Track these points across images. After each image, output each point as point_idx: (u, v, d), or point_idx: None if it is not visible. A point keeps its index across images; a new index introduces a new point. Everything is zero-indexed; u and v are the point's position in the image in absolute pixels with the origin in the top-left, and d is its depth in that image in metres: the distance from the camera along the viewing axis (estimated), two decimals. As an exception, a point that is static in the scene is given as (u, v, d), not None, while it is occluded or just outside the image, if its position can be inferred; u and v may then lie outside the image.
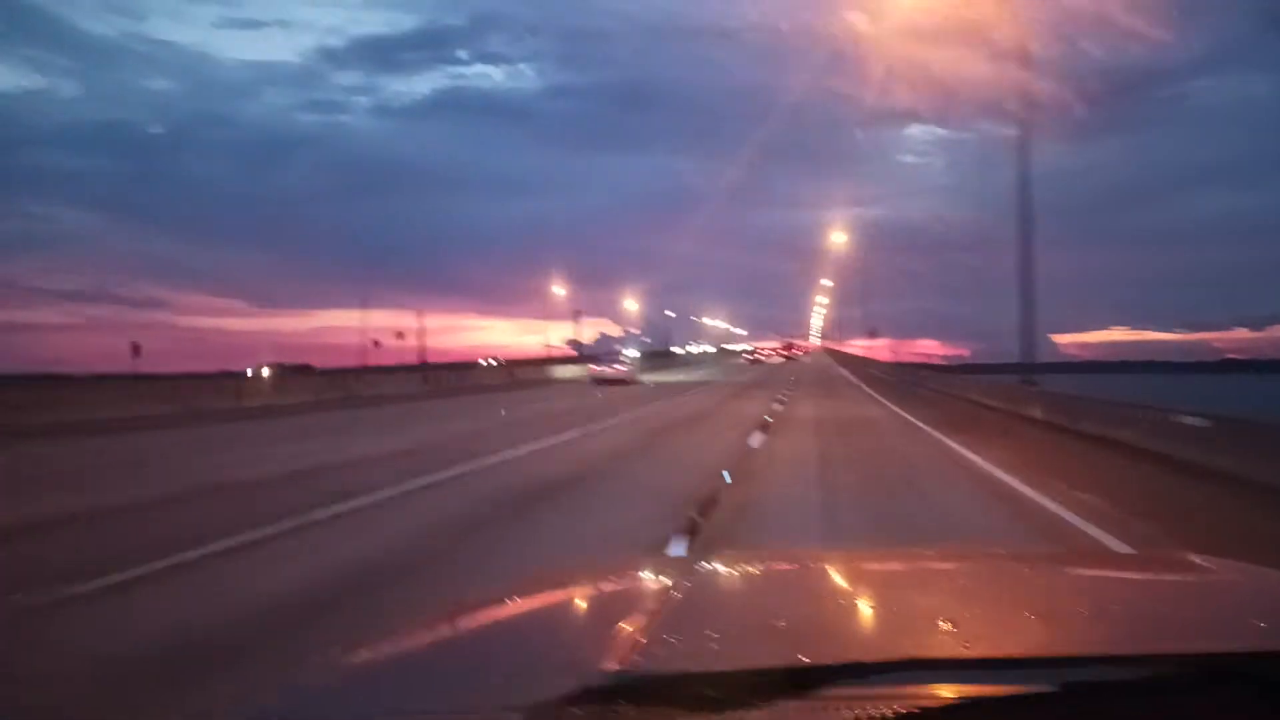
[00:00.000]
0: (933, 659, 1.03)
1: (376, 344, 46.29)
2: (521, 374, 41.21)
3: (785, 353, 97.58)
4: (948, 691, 0.91)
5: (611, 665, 1.02)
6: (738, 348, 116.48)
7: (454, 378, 35.85)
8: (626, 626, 1.21)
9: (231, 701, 1.14)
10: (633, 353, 44.60)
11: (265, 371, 36.37)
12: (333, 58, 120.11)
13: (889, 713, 0.86)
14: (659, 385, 33.13)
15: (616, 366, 36.03)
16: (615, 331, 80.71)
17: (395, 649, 1.33)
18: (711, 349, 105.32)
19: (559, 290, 67.54)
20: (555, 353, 59.97)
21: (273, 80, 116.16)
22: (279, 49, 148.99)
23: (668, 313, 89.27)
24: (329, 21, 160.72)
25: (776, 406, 19.99)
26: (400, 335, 52.32)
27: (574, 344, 70.63)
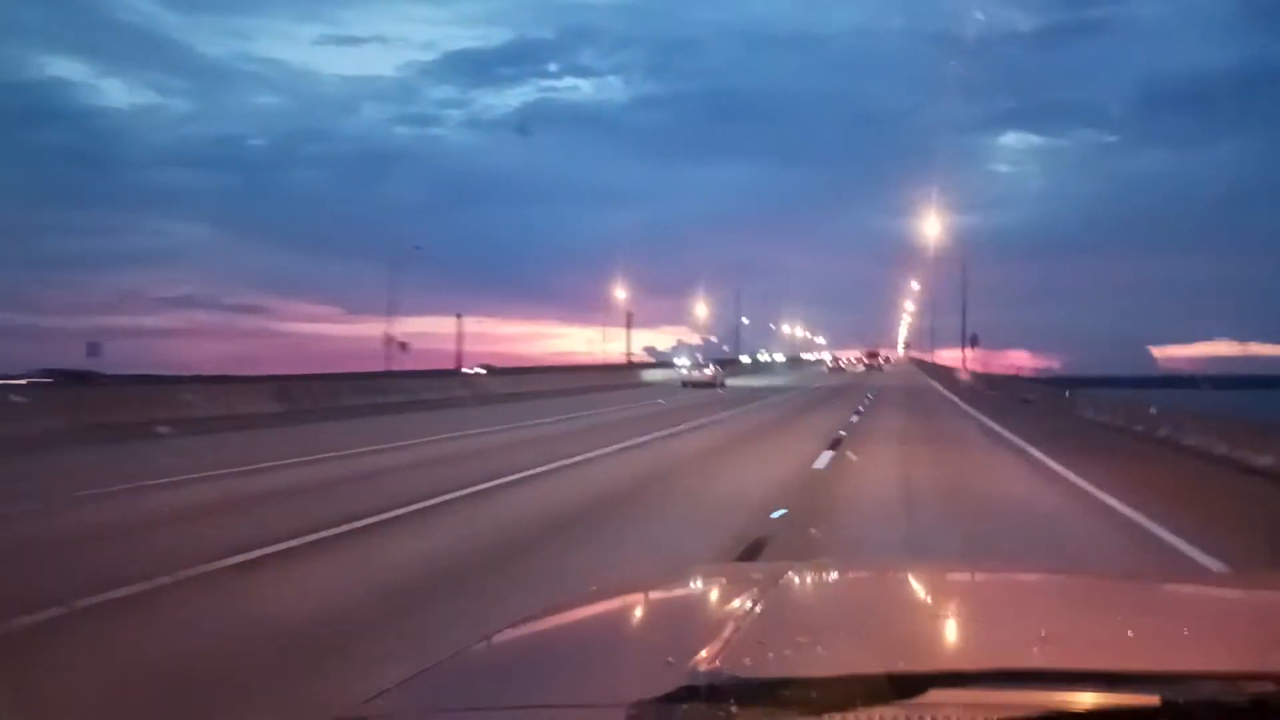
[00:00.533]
0: (1032, 670, 1.03)
1: (404, 346, 43.17)
2: (617, 378, 44.66)
3: (868, 361, 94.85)
4: (1046, 701, 0.91)
5: (710, 666, 1.05)
6: (813, 356, 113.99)
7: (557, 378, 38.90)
8: (720, 629, 1.23)
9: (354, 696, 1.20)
10: (683, 360, 50.38)
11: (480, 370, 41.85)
12: (428, 72, 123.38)
13: None
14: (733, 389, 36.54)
15: (705, 371, 41.53)
16: (693, 339, 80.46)
17: (497, 648, 1.38)
18: (781, 357, 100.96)
19: (638, 298, 67.87)
20: (634, 359, 60.32)
21: (370, 95, 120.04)
22: (377, 64, 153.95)
23: (744, 320, 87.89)
24: (425, 37, 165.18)
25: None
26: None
27: (650, 351, 71.00)
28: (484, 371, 40.16)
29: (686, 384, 38.65)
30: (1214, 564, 5.53)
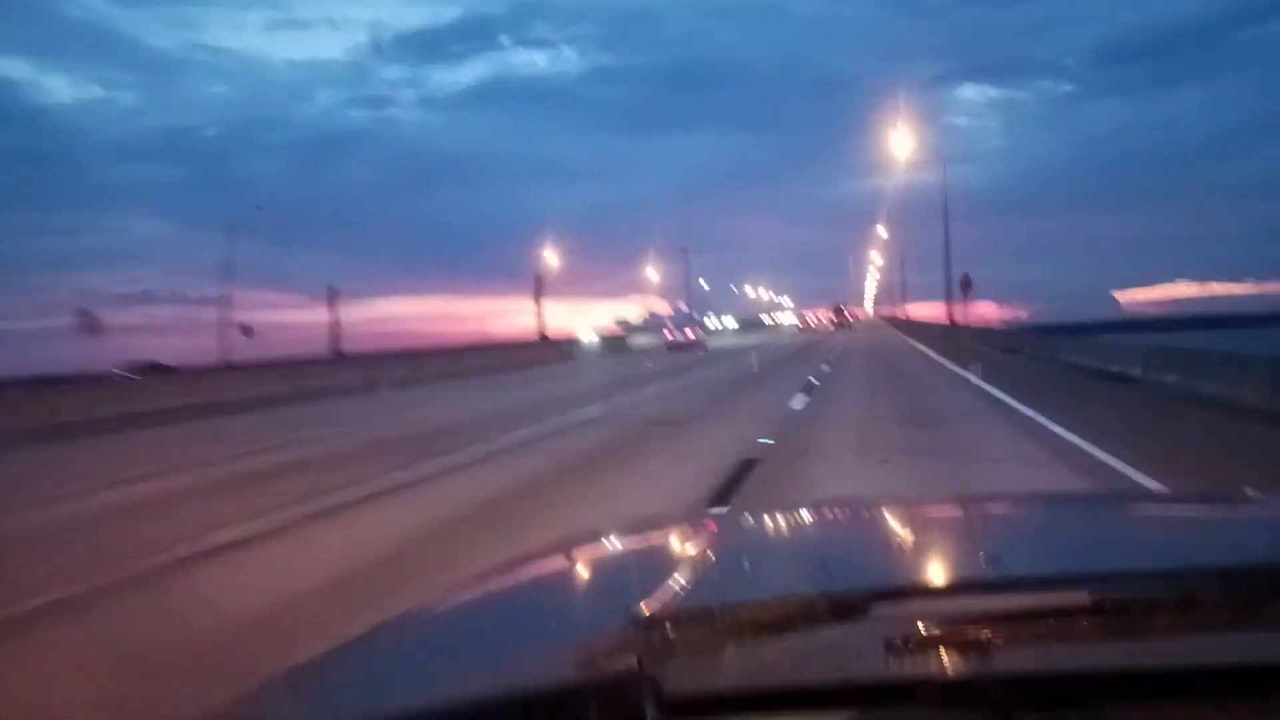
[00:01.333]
0: (976, 580, 1.05)
1: (248, 331, 37.11)
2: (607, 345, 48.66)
3: (835, 319, 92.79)
4: (990, 607, 0.92)
5: (655, 605, 1.04)
6: (775, 319, 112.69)
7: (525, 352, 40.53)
8: (668, 573, 1.23)
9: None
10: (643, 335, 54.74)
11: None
12: (377, 53, 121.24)
13: (936, 631, 0.87)
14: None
15: (688, 335, 45.07)
16: (663, 308, 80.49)
17: (442, 608, 1.39)
18: (733, 323, 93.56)
19: (604, 270, 67.72)
20: (608, 331, 60.14)
21: (322, 79, 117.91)
22: (327, 47, 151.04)
23: (700, 282, 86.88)
24: (373, 16, 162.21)
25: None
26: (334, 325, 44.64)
27: (622, 322, 70.88)
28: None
29: (671, 347, 42.36)
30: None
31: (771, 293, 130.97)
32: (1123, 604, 0.91)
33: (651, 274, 79.91)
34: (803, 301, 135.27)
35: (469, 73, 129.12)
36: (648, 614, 0.98)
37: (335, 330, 39.95)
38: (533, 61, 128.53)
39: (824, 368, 22.77)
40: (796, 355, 32.12)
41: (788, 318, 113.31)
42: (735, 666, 0.85)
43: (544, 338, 52.68)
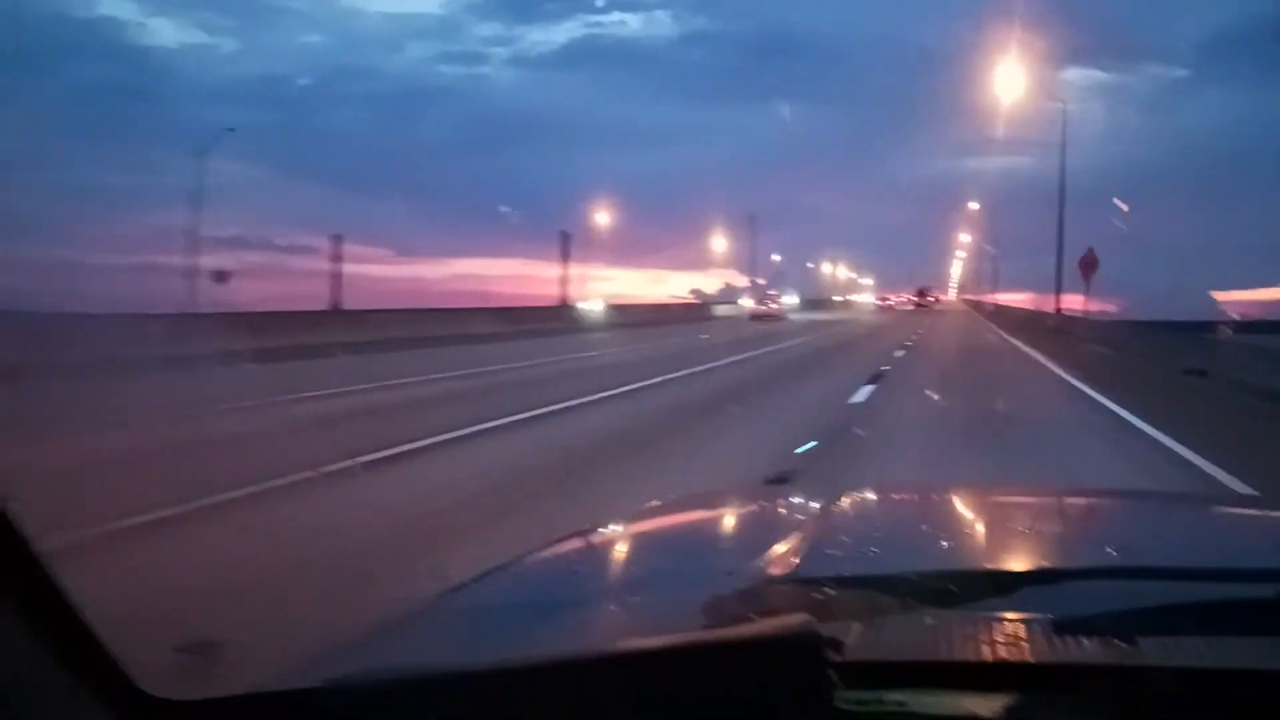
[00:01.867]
0: (1132, 567, 1.03)
1: (222, 277, 28.44)
2: (695, 313, 50.05)
3: (919, 300, 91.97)
4: (1152, 598, 0.89)
5: (793, 563, 1.04)
6: (852, 297, 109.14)
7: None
8: (792, 537, 1.22)
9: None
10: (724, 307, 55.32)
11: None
12: (473, 9, 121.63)
13: (1087, 615, 0.85)
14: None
15: (771, 306, 47.44)
16: (740, 282, 79.61)
17: (562, 553, 1.40)
18: (795, 299, 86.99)
19: (682, 240, 67.15)
20: (677, 302, 60.31)
21: (415, 33, 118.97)
22: (422, 1, 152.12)
23: (774, 257, 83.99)
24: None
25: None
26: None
27: (697, 293, 70.53)
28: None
29: (754, 317, 43.99)
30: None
31: (852, 272, 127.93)
32: (1236, 604, 0.88)
33: (726, 246, 78.65)
34: (885, 283, 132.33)
35: (562, 33, 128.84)
36: (796, 576, 0.97)
37: (336, 281, 35.96)
38: (624, 23, 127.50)
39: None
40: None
41: (865, 297, 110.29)
42: (902, 636, 0.85)
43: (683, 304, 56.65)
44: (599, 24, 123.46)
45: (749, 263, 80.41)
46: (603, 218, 51.95)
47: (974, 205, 67.34)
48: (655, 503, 1.82)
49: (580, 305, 40.00)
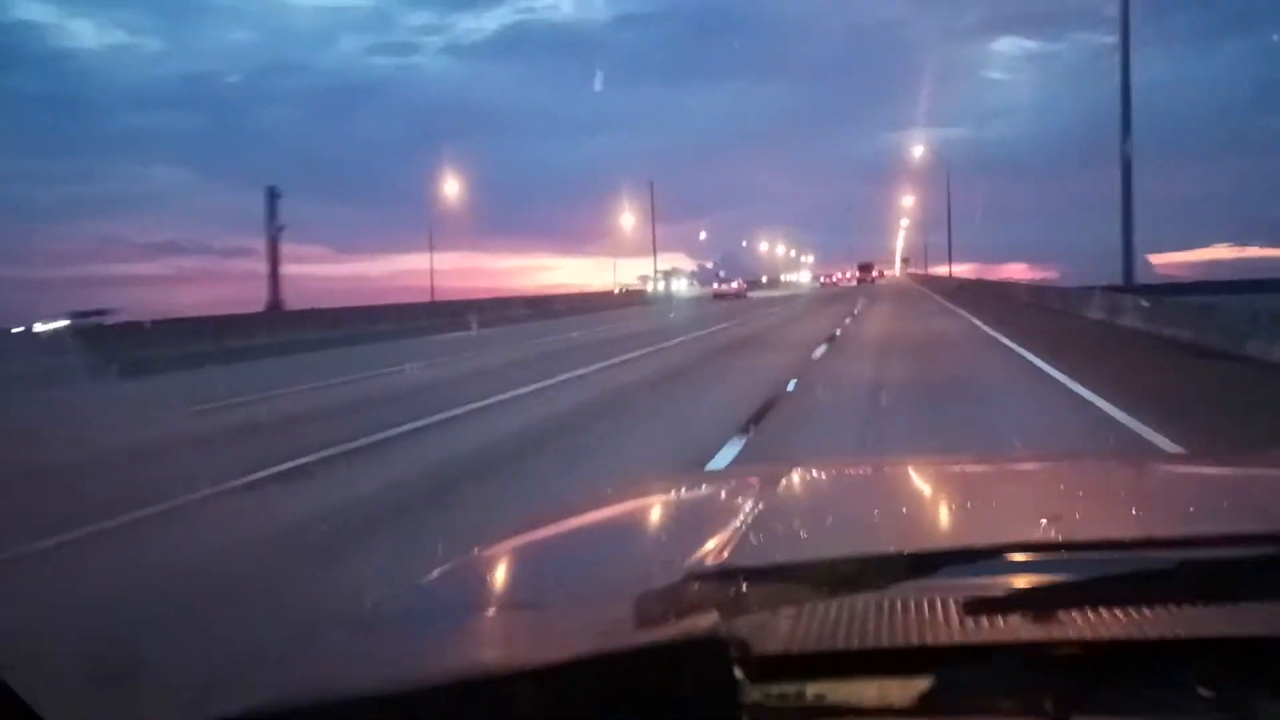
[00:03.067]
0: (1044, 542, 1.02)
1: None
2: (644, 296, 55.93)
3: (861, 276, 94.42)
4: (1067, 570, 0.90)
5: (716, 557, 1.03)
6: (797, 276, 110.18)
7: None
8: (725, 525, 1.21)
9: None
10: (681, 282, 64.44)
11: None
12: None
13: (1015, 593, 0.86)
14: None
15: (732, 285, 53.94)
16: (688, 265, 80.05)
17: (499, 553, 1.37)
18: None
19: (627, 226, 67.37)
20: (633, 284, 60.97)
21: (346, 25, 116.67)
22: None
23: (701, 236, 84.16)
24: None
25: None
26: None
27: (645, 279, 70.69)
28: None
29: (717, 296, 50.53)
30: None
31: (793, 250, 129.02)
32: (1210, 568, 0.88)
33: (671, 230, 78.99)
34: (829, 259, 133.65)
35: (494, 19, 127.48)
36: (715, 568, 0.96)
37: (275, 278, 34.66)
38: (557, 7, 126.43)
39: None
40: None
41: (804, 276, 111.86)
42: (819, 625, 0.84)
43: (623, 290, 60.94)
44: (531, 9, 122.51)
45: (697, 245, 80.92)
46: (545, 207, 52.46)
47: (912, 178, 68.46)
48: (592, 492, 1.81)
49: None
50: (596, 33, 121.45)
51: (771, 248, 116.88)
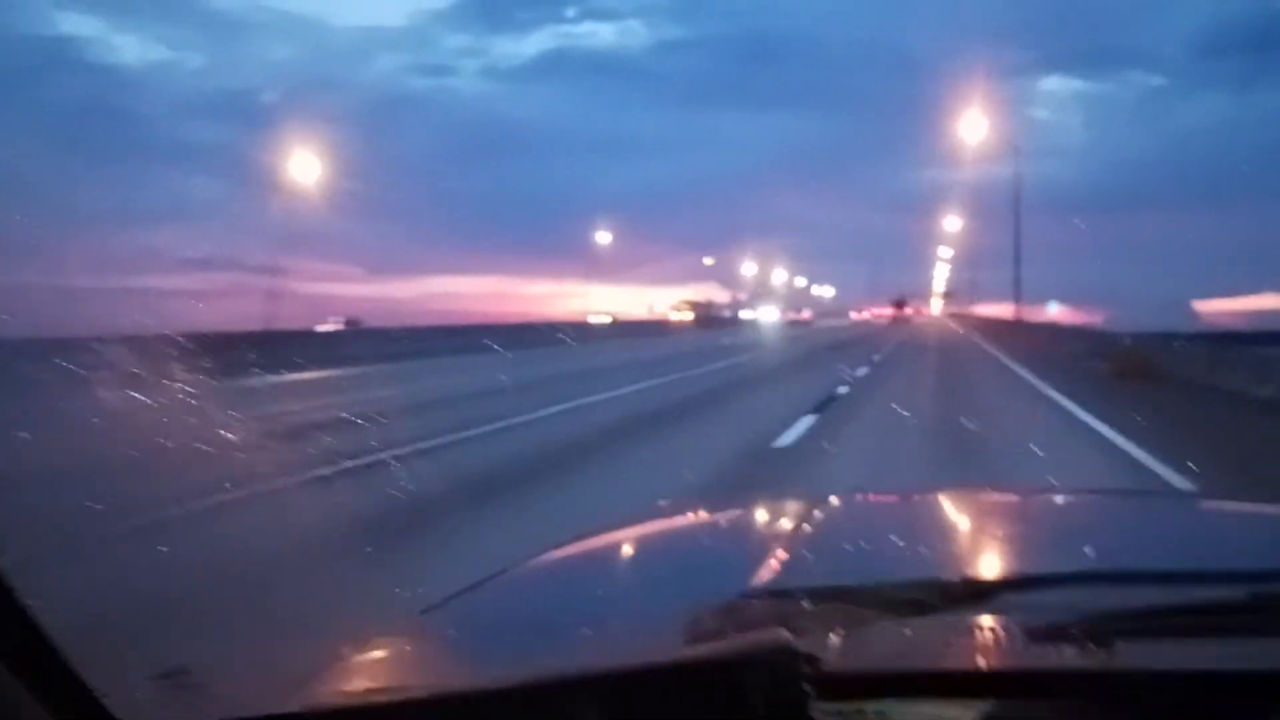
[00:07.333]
0: (1101, 572, 1.02)
1: None
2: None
3: (895, 313, 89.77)
4: (1129, 601, 0.89)
5: (773, 574, 1.03)
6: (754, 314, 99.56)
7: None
8: (773, 547, 1.22)
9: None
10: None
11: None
12: (442, 19, 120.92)
13: (1065, 620, 0.85)
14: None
15: (803, 315, 60.90)
16: (723, 296, 79.89)
17: (546, 565, 1.39)
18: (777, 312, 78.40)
19: (665, 253, 67.68)
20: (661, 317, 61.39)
21: (384, 44, 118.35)
22: (390, 13, 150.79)
23: (742, 271, 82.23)
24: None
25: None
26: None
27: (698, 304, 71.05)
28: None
29: (790, 323, 58.63)
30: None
31: (812, 282, 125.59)
32: (1273, 601, 0.87)
33: (708, 260, 78.75)
34: (864, 293, 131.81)
35: (533, 44, 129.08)
36: (774, 586, 0.97)
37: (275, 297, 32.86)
38: (596, 33, 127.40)
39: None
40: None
41: (769, 313, 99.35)
42: (880, 646, 0.84)
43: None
44: (570, 34, 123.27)
45: (730, 276, 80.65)
46: (581, 232, 52.76)
47: (956, 215, 67.58)
48: (641, 512, 1.82)
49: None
50: (637, 58, 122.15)
51: (791, 278, 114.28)
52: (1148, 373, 14.73)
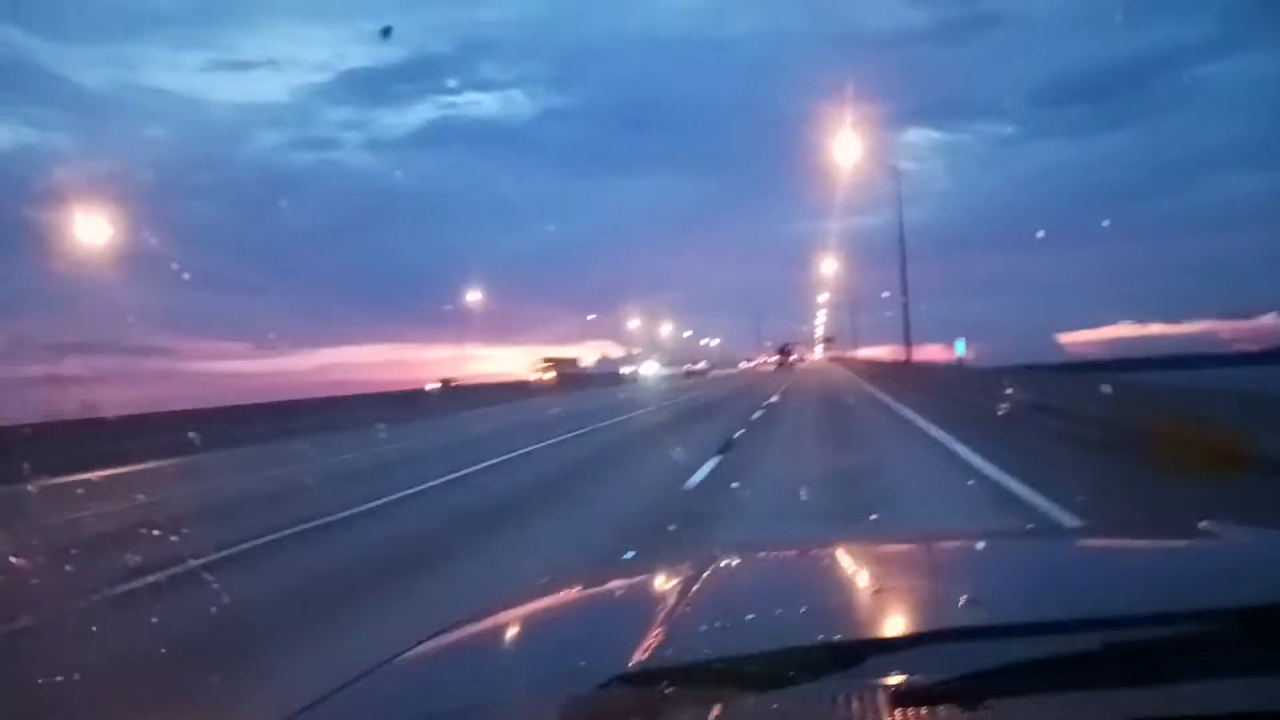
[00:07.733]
0: (970, 628, 1.03)
1: None
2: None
3: (782, 360, 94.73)
4: (993, 655, 0.90)
5: (642, 655, 1.02)
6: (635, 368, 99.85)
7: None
8: (651, 620, 1.20)
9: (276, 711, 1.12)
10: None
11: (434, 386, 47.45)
12: (322, 94, 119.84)
13: (940, 683, 0.85)
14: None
15: (699, 366, 64.94)
16: (617, 352, 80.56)
17: (424, 655, 1.33)
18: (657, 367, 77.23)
19: (555, 314, 68.30)
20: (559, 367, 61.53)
21: (265, 120, 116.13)
22: (270, 89, 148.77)
23: (630, 325, 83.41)
24: (317, 58, 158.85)
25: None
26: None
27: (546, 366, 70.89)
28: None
29: (688, 374, 61.87)
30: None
31: (688, 332, 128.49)
32: (1136, 649, 0.89)
33: (597, 318, 79.58)
34: (751, 343, 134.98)
35: (416, 115, 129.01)
36: (639, 670, 0.95)
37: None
38: (479, 103, 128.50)
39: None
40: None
41: (650, 368, 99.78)
42: None
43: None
44: (453, 104, 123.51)
45: (624, 333, 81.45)
46: (472, 297, 51.28)
47: (831, 264, 70.32)
48: (526, 586, 1.77)
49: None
50: (520, 127, 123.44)
51: (680, 331, 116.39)
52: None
